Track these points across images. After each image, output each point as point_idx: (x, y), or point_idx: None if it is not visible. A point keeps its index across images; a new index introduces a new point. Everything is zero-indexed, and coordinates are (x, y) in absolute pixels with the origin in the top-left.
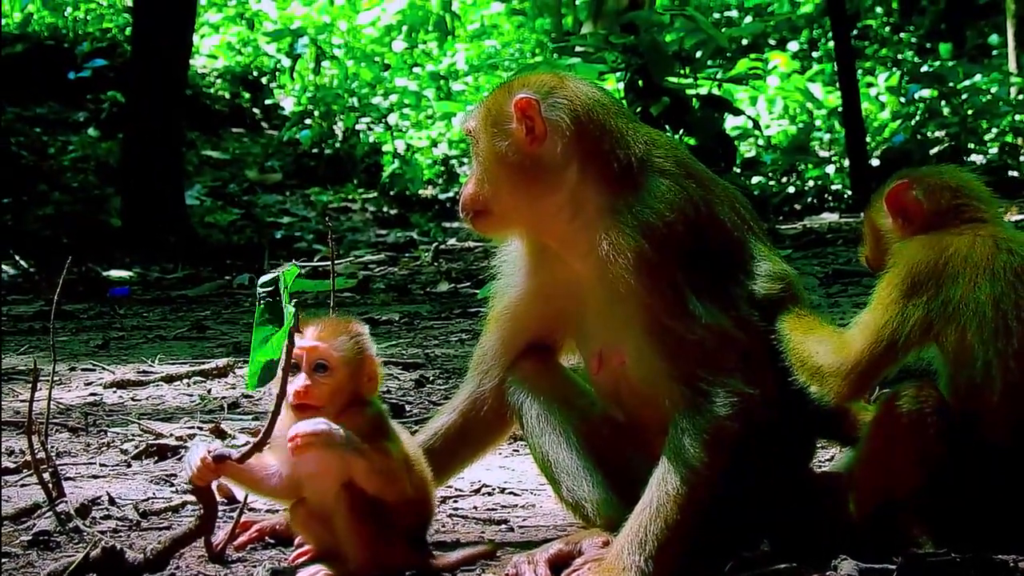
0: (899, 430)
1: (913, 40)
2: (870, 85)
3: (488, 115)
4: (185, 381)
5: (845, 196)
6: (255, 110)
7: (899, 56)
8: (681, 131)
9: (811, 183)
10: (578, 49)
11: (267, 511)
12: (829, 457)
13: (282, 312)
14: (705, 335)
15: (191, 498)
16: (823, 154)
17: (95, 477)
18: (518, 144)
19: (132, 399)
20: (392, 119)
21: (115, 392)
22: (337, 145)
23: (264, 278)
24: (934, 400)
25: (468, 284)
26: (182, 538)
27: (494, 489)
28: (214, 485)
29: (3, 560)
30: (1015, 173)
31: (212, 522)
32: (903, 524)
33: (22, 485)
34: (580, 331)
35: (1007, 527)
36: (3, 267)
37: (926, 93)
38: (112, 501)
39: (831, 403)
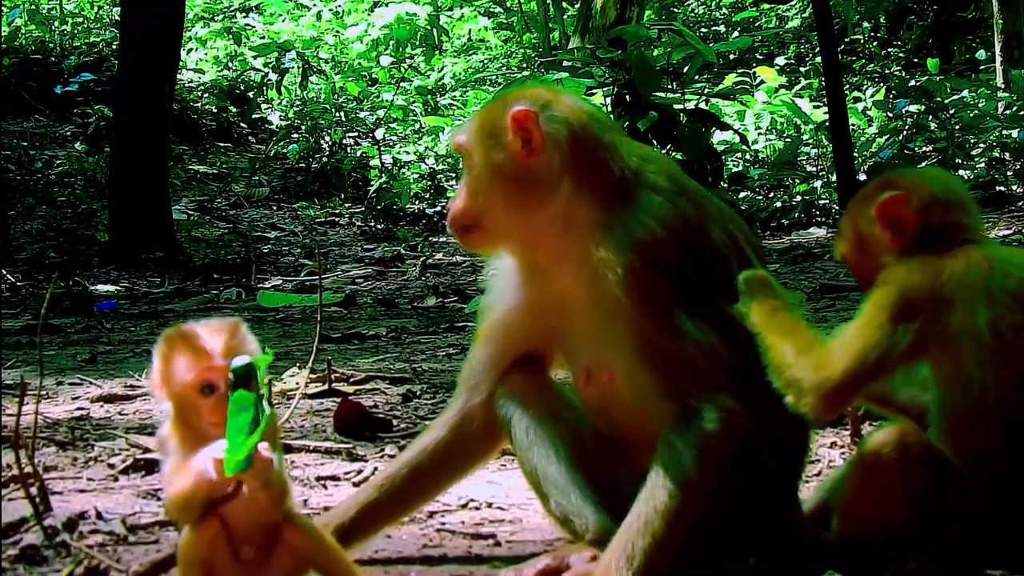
0: (884, 478)
1: (900, 55)
2: (857, 100)
3: (483, 128)
4: None
5: (832, 211)
6: (242, 124)
7: (886, 71)
8: (668, 146)
9: (798, 198)
10: (565, 64)
11: None
12: (816, 473)
13: (258, 409)
14: (695, 352)
15: None
16: (810, 169)
17: (82, 491)
18: (513, 156)
19: (119, 413)
20: (379, 133)
21: (102, 406)
22: (324, 159)
23: (237, 362)
24: (918, 447)
25: (455, 299)
26: (163, 561)
27: (481, 503)
28: None
29: None
30: (1002, 188)
31: None
32: (889, 544)
33: (9, 499)
34: (569, 346)
35: (996, 546)
36: None
37: (913, 108)
38: (99, 515)
39: (807, 416)
